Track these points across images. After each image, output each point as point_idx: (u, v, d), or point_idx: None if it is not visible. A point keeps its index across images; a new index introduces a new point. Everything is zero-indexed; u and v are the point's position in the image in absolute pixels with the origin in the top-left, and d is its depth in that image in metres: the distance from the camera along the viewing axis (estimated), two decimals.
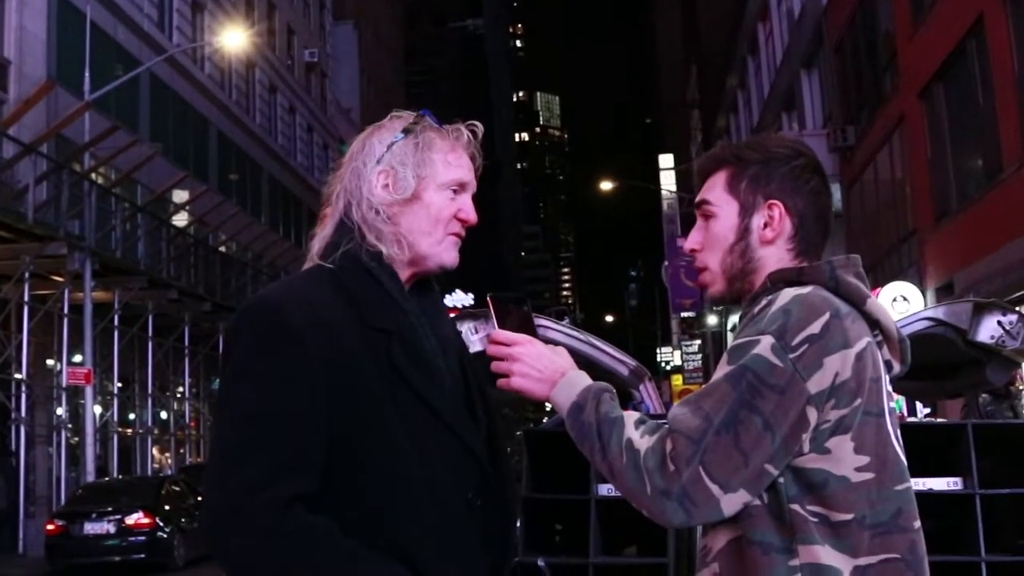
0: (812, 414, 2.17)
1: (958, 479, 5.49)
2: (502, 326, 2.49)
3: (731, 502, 2.16)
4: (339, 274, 2.46)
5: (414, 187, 2.49)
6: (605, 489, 5.49)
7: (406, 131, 2.54)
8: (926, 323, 5.57)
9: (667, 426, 2.23)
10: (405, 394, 2.37)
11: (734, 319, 30.02)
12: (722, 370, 2.24)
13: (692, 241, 2.52)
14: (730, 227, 2.45)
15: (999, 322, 5.49)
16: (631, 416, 2.29)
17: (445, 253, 2.53)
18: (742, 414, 2.15)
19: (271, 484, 2.21)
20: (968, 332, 5.50)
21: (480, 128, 2.62)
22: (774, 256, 2.42)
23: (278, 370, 2.29)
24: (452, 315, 3.14)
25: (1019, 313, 5.62)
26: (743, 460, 2.14)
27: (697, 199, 2.52)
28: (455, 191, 2.54)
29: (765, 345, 2.19)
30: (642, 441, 2.21)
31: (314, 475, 2.28)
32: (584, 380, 2.39)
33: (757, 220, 2.42)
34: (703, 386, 2.29)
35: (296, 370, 2.29)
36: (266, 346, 2.32)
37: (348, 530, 2.27)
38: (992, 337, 5.48)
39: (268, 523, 2.20)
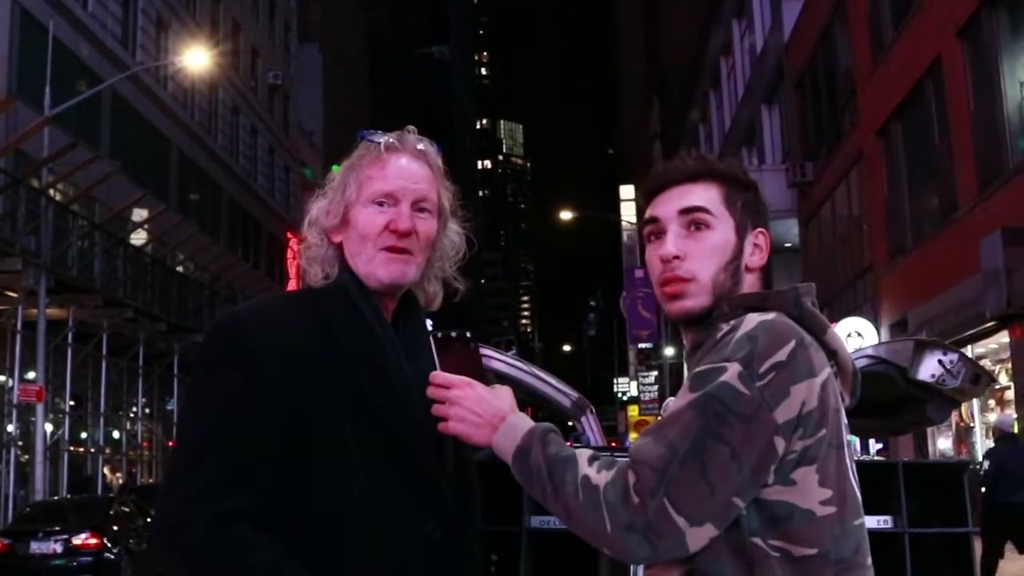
0: (780, 444, 2.09)
1: (888, 517, 5.53)
2: (443, 366, 2.41)
3: (697, 536, 2.06)
4: (317, 297, 2.49)
5: (341, 212, 2.52)
6: (537, 521, 5.46)
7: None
8: (868, 360, 5.59)
9: (627, 459, 2.11)
10: (368, 421, 2.36)
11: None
12: (684, 398, 2.14)
13: (677, 247, 2.32)
14: (728, 243, 2.32)
15: (940, 361, 5.52)
16: (583, 453, 2.17)
17: (380, 269, 2.49)
18: (709, 443, 2.05)
19: (213, 498, 2.23)
20: (909, 370, 5.52)
21: (413, 131, 2.61)
22: (750, 284, 2.34)
23: (230, 386, 2.31)
24: None
25: (960, 353, 5.67)
26: (709, 491, 2.04)
27: (686, 204, 2.33)
28: (381, 204, 2.50)
29: (732, 373, 2.09)
30: (599, 476, 2.10)
31: (260, 492, 2.27)
32: (526, 423, 2.28)
33: (747, 246, 2.34)
34: (665, 415, 2.18)
35: (248, 387, 2.31)
36: (222, 362, 2.35)
37: (294, 551, 2.27)
38: (932, 376, 5.50)
39: (204, 536, 2.21)
